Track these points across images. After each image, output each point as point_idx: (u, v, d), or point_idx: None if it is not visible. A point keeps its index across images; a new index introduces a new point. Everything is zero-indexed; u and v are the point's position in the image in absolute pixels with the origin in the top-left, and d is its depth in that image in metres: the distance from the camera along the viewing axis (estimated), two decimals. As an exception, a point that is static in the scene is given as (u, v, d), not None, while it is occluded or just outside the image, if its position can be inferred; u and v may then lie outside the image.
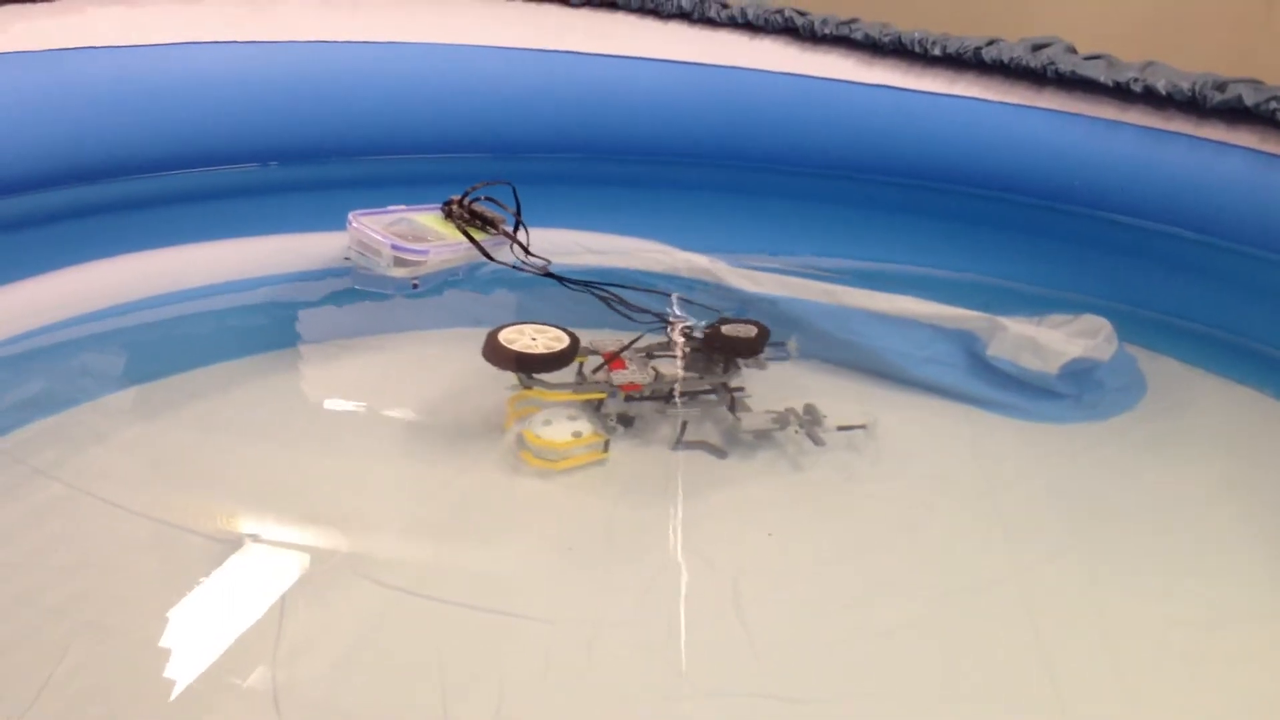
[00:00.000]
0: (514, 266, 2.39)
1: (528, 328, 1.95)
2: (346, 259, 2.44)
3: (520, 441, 1.92)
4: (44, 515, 1.70)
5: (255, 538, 1.68)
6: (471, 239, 2.39)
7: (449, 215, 2.51)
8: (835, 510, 1.88)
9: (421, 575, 1.65)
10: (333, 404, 2.16)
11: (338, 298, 2.47)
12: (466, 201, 2.51)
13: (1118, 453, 2.10)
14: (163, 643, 1.46)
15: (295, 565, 1.63)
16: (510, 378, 1.95)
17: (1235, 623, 1.67)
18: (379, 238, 2.35)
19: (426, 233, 2.43)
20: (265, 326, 2.39)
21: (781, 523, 1.81)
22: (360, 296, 2.45)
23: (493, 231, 2.46)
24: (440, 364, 2.24)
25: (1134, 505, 1.95)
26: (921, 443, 2.09)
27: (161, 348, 2.26)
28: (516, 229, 2.47)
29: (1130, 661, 1.57)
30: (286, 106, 2.91)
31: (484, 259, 2.41)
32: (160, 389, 2.08)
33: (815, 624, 1.60)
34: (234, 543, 1.66)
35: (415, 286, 2.39)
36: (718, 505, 1.85)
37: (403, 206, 2.52)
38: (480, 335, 1.92)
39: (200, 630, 1.49)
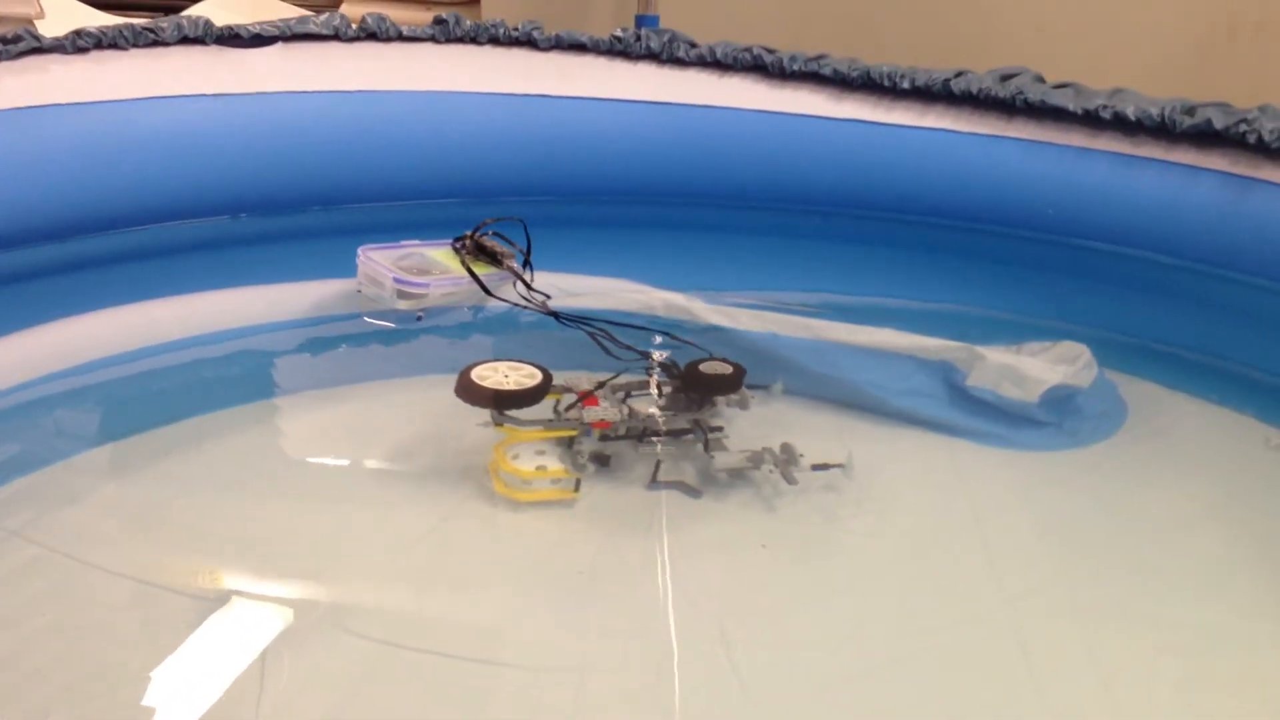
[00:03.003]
0: (515, 303, 2.46)
1: (500, 365, 1.95)
2: (358, 291, 2.54)
3: (491, 465, 1.92)
4: (21, 578, 1.67)
5: (235, 594, 1.65)
6: (472, 273, 2.45)
7: (458, 250, 2.59)
8: (819, 548, 1.87)
9: (405, 627, 1.63)
10: (308, 455, 2.14)
11: (310, 348, 2.46)
12: (476, 236, 2.60)
13: (1101, 479, 2.10)
14: (143, 704, 1.43)
15: (276, 621, 1.61)
16: (482, 414, 1.94)
17: (1226, 649, 1.66)
18: (383, 270, 2.45)
19: (435, 266, 2.53)
20: (236, 379, 2.36)
21: (764, 561, 1.80)
22: (332, 345, 2.47)
23: (500, 266, 2.51)
24: (414, 409, 2.22)
25: (1119, 532, 1.95)
26: (903, 475, 2.08)
27: (133, 404, 2.24)
28: (525, 264, 2.55)
29: (1124, 691, 1.55)
30: (256, 158, 2.90)
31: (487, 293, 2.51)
32: (133, 445, 2.06)
33: (806, 664, 1.58)
34: (214, 600, 1.63)
35: (419, 319, 2.48)
36: (698, 544, 1.83)
37: (416, 241, 2.60)
38: (452, 380, 1.92)
39: (181, 691, 1.46)
